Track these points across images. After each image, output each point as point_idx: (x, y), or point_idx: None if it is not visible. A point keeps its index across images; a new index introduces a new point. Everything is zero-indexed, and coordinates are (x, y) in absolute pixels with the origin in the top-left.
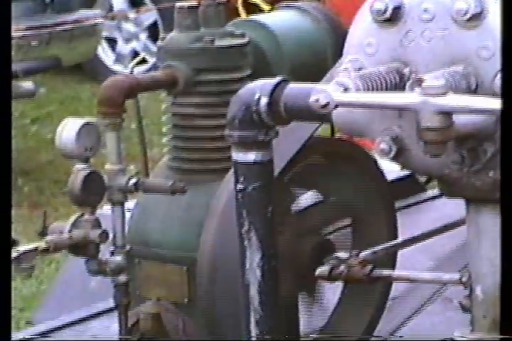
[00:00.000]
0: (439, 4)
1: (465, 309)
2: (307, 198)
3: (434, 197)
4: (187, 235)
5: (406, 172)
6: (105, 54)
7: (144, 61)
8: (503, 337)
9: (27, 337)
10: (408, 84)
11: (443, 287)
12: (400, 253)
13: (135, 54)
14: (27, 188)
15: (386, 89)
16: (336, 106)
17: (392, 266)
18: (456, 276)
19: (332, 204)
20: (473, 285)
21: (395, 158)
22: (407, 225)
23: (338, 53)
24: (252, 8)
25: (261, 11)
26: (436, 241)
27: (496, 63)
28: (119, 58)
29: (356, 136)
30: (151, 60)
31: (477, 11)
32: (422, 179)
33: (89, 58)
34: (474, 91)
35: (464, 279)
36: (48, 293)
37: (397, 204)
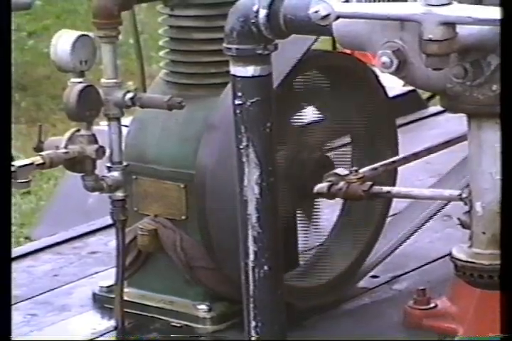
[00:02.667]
0: None
1: (464, 225)
2: (306, 114)
3: (436, 114)
4: (184, 151)
5: (408, 88)
6: None
7: None
8: (503, 337)
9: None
10: None
11: (444, 204)
12: (401, 170)
13: None
14: (24, 103)
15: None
16: (337, 17)
17: (392, 184)
18: (456, 192)
19: (331, 120)
20: (473, 201)
21: (397, 72)
22: (409, 142)
23: None
24: None
25: None
26: (437, 158)
27: None
28: None
29: (357, 49)
30: None
31: None
32: (424, 95)
33: None
34: (479, 1)
35: (463, 195)
36: (46, 209)
37: (399, 120)
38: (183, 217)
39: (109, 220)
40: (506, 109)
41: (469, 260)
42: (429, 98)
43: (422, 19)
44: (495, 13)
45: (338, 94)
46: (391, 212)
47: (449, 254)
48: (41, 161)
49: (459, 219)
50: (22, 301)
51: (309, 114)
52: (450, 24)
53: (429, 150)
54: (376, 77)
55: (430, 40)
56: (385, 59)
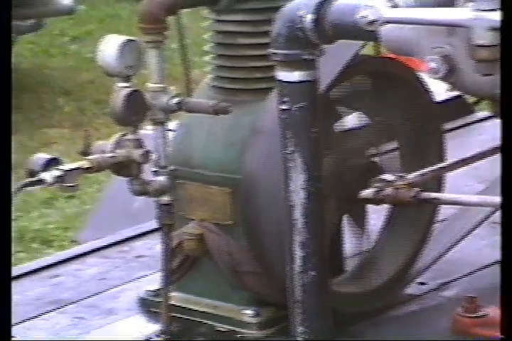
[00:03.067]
0: None
1: None
2: (353, 119)
3: (483, 119)
4: (230, 156)
5: (454, 93)
6: None
7: None
8: (503, 337)
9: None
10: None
11: (491, 211)
12: (448, 176)
13: None
14: (68, 108)
15: (437, 4)
16: (384, 22)
17: (440, 190)
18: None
19: (378, 125)
20: None
21: (445, 78)
22: (455, 147)
23: None
24: None
25: None
26: (484, 164)
27: None
28: None
29: (404, 55)
30: None
31: None
32: (471, 100)
33: None
34: None
35: None
36: (91, 212)
37: (446, 126)
38: (229, 222)
39: (154, 224)
40: (506, 108)
41: None
42: (475, 103)
43: (471, 24)
44: None
45: (384, 99)
46: (439, 218)
47: (499, 261)
48: (88, 165)
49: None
50: (69, 304)
51: (355, 119)
52: (499, 30)
53: (478, 156)
54: (422, 81)
55: (480, 45)
56: (433, 65)
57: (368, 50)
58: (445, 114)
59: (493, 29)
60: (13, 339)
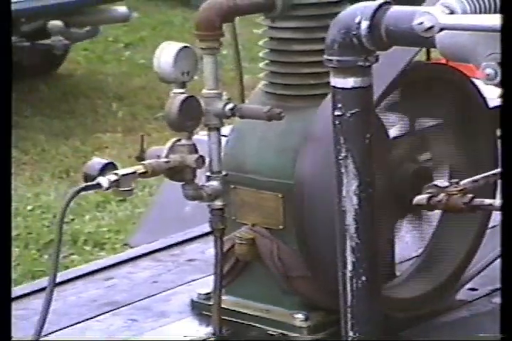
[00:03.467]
0: None
1: None
2: (405, 125)
3: None
4: (283, 161)
5: None
6: None
7: None
8: (503, 337)
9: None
10: None
11: None
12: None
13: None
14: (121, 113)
15: (495, 11)
16: (441, 29)
17: (493, 196)
18: None
19: (431, 131)
20: None
21: (499, 84)
22: None
23: None
24: None
25: None
26: None
27: None
28: None
29: (460, 61)
30: None
31: None
32: None
33: None
34: None
35: None
36: (143, 216)
37: (499, 132)
38: (281, 227)
39: (206, 228)
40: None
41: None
42: None
43: None
44: None
45: (436, 105)
46: (490, 224)
47: None
48: (143, 170)
49: None
50: (122, 306)
51: (407, 125)
52: None
53: None
54: (476, 87)
55: None
56: (489, 71)
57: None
58: (498, 119)
59: None
60: (12, 339)
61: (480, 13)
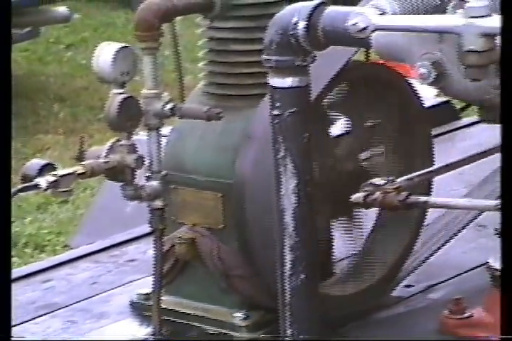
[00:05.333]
0: None
1: (496, 234)
2: (343, 124)
3: (469, 125)
4: (222, 161)
5: (442, 98)
6: None
7: None
8: (503, 337)
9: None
10: (450, 6)
11: (477, 214)
12: (436, 180)
13: None
14: (62, 114)
15: (425, 11)
16: (374, 30)
17: (428, 193)
18: (492, 203)
19: (367, 130)
20: None
21: (435, 83)
22: (443, 152)
23: None
24: None
25: None
26: (469, 169)
27: None
28: None
29: (395, 60)
30: None
31: None
32: (458, 106)
33: None
34: None
35: (496, 206)
36: (84, 217)
37: (434, 131)
38: (220, 226)
39: (146, 229)
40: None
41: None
42: (462, 109)
43: (462, 31)
44: None
45: (373, 105)
46: (426, 222)
47: (484, 264)
48: (83, 170)
49: (495, 229)
50: (61, 308)
51: (345, 124)
52: (490, 35)
53: (465, 161)
54: (411, 87)
55: (470, 51)
56: (423, 70)
57: (359, 55)
58: (433, 119)
59: (484, 35)
60: (12, 339)
61: (409, 13)
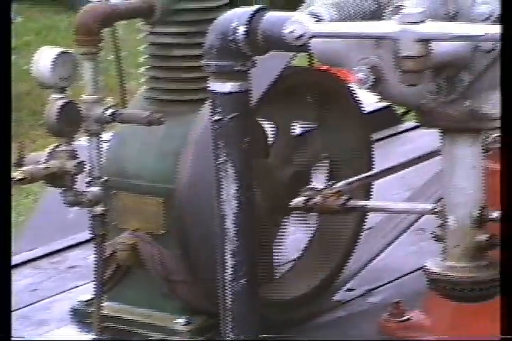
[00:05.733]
0: None
1: (438, 239)
2: (284, 129)
3: (410, 129)
4: (163, 166)
5: (383, 103)
6: None
7: None
8: (503, 337)
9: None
10: (386, 12)
11: (417, 217)
12: (376, 184)
13: None
14: None
15: (362, 18)
16: (311, 37)
17: (368, 198)
18: (429, 206)
19: (307, 135)
20: (446, 215)
21: (372, 88)
22: (384, 157)
23: None
24: None
25: None
26: (411, 172)
27: None
28: None
29: (334, 66)
30: None
31: None
32: (399, 111)
33: None
34: (453, 18)
35: (437, 209)
36: (26, 224)
37: (374, 136)
38: (162, 232)
39: (88, 235)
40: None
41: (442, 273)
42: (404, 114)
43: (398, 37)
44: (468, 29)
45: (314, 110)
46: (366, 226)
47: (423, 267)
48: (22, 176)
49: (432, 232)
50: None
51: (286, 129)
52: (425, 41)
53: (404, 165)
54: (352, 92)
55: (406, 56)
56: (361, 75)
57: (302, 61)
58: (374, 123)
59: (419, 41)
60: (12, 339)
61: (347, 20)
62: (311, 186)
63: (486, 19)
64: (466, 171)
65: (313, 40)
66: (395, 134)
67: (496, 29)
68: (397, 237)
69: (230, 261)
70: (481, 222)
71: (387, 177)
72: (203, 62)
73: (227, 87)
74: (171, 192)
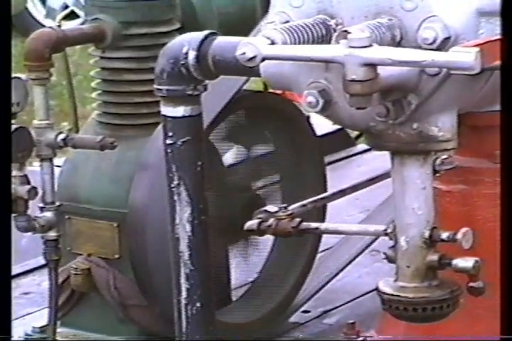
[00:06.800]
0: None
1: (390, 259)
2: (236, 153)
3: (363, 151)
4: (117, 191)
5: (337, 126)
6: (35, 8)
7: (76, 16)
8: (503, 337)
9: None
10: (334, 36)
11: (373, 239)
12: (331, 206)
13: (66, 8)
14: None
15: (313, 41)
16: (263, 59)
17: (322, 220)
18: (381, 228)
19: (262, 158)
20: (398, 236)
21: (322, 111)
22: (338, 179)
23: (267, 7)
24: None
25: None
26: (365, 194)
27: (420, 14)
28: (49, 13)
29: (284, 89)
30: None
31: None
32: (353, 133)
33: (18, 12)
34: (399, 43)
35: (389, 230)
36: None
37: (329, 158)
38: (116, 256)
39: (42, 260)
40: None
41: (395, 293)
42: (358, 136)
43: (344, 61)
44: (413, 55)
45: (268, 133)
46: (322, 248)
47: (377, 288)
48: None
49: (384, 253)
50: None
51: (240, 152)
52: (371, 65)
53: (357, 187)
54: (305, 116)
55: (353, 80)
56: (310, 99)
57: (258, 84)
58: (328, 146)
59: (365, 65)
60: (12, 339)
61: (299, 43)
62: (264, 209)
63: (429, 44)
64: (416, 192)
65: (265, 64)
66: (349, 156)
67: (437, 55)
68: (353, 259)
69: (184, 285)
70: (431, 242)
71: (342, 199)
72: (155, 86)
73: (179, 111)
74: (124, 216)
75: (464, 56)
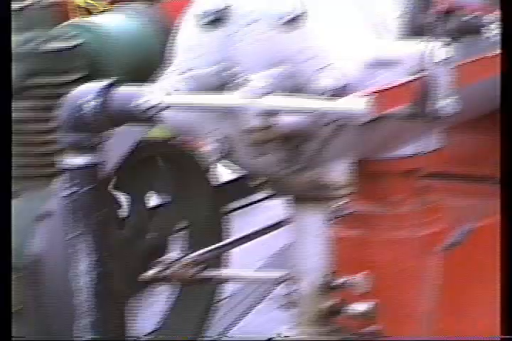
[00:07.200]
0: (261, 7)
1: (288, 306)
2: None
3: (265, 198)
4: (15, 241)
5: (238, 173)
6: None
7: None
8: (503, 337)
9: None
10: (234, 85)
11: (272, 285)
12: (234, 252)
13: None
14: None
15: (215, 89)
16: (163, 108)
17: (225, 266)
18: (280, 273)
19: (168, 205)
20: (296, 282)
21: (223, 159)
22: (240, 226)
23: (169, 55)
24: (86, 11)
25: (94, 12)
26: (267, 240)
27: (317, 63)
28: None
29: (187, 136)
30: None
31: (297, 14)
32: (256, 180)
33: None
34: (298, 91)
35: (287, 276)
36: None
37: (230, 205)
38: (17, 308)
39: None
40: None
41: (294, 339)
42: (259, 183)
43: (241, 109)
44: (307, 103)
45: (172, 181)
46: (226, 294)
47: (278, 334)
48: None
49: (283, 300)
50: None
51: (138, 202)
52: (269, 113)
53: (259, 233)
54: (207, 163)
55: (251, 128)
56: (211, 147)
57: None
58: (229, 194)
59: (262, 113)
60: (12, 339)
61: (201, 91)
62: (164, 257)
63: (326, 92)
64: (312, 239)
65: (167, 112)
66: (250, 204)
67: (329, 104)
68: (254, 305)
69: (86, 335)
70: (329, 287)
71: (245, 245)
72: (57, 135)
73: (80, 160)
74: (23, 267)
75: (355, 104)
